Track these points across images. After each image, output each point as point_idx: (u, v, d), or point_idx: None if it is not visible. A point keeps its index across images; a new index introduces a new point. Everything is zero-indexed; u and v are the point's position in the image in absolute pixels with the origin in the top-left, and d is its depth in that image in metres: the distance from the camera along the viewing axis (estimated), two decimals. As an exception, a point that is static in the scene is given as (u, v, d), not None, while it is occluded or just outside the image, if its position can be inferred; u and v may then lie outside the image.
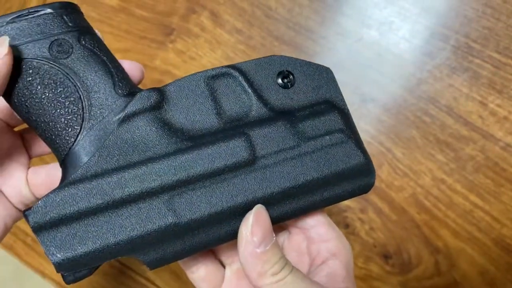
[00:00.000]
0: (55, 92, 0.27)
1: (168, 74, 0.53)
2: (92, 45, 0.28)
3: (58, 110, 0.27)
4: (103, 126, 0.27)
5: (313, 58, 0.50)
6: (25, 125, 0.31)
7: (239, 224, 0.28)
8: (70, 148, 0.27)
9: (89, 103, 0.27)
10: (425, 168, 0.48)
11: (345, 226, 0.49)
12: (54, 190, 0.25)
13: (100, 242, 0.26)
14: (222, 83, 0.30)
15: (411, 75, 0.49)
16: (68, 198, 0.25)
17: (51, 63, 0.27)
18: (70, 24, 0.28)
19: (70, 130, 0.27)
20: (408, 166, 0.48)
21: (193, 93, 0.29)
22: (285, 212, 0.29)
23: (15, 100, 0.27)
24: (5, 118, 0.32)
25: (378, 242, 0.48)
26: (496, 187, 0.47)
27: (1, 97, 0.27)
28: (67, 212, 0.25)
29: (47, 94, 0.27)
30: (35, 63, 0.27)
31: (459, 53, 0.49)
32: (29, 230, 0.50)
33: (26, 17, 0.27)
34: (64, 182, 0.26)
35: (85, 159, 0.27)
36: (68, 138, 0.27)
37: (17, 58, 0.26)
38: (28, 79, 0.27)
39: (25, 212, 0.26)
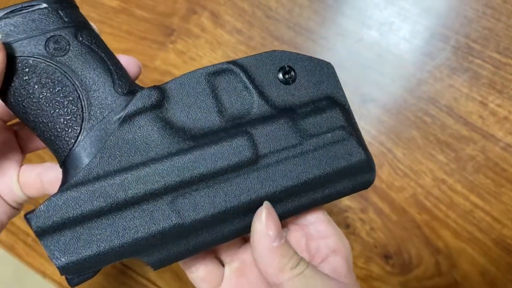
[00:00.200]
0: (53, 92, 0.26)
1: (168, 74, 0.52)
2: (90, 41, 0.27)
3: (57, 110, 0.26)
4: (104, 126, 0.26)
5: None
6: (17, 120, 0.30)
7: (242, 223, 0.28)
8: (70, 149, 0.26)
9: (89, 102, 0.26)
10: (425, 168, 0.48)
11: (345, 226, 0.48)
12: (56, 194, 0.25)
13: (105, 245, 0.25)
14: (223, 80, 0.29)
15: (411, 75, 0.49)
16: (70, 202, 0.25)
17: (48, 61, 0.26)
18: (66, 20, 0.26)
19: (69, 130, 0.26)
20: (408, 166, 0.48)
21: (194, 90, 0.28)
22: (287, 210, 0.29)
23: (12, 100, 0.26)
24: None
25: (379, 242, 0.48)
26: (497, 187, 0.47)
27: None
28: (70, 216, 0.25)
29: (45, 93, 0.26)
30: (31, 61, 0.25)
31: (459, 54, 0.48)
32: (30, 230, 0.50)
33: (20, 12, 0.26)
34: (66, 185, 0.25)
35: (86, 160, 0.26)
36: (68, 139, 0.26)
37: (11, 56, 0.25)
38: (24, 78, 0.25)
39: (26, 215, 0.25)
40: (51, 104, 0.26)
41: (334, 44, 0.50)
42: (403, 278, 0.47)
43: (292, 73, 0.30)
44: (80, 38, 0.26)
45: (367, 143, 0.49)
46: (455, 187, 0.47)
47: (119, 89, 0.27)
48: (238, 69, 0.29)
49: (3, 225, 0.32)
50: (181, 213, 0.26)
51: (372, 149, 0.48)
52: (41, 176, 0.31)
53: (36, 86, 0.26)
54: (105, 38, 0.53)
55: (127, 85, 0.27)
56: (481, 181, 0.47)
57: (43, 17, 0.26)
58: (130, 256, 0.26)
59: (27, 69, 0.25)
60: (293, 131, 0.28)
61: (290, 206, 0.29)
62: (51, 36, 0.26)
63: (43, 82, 0.26)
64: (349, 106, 0.31)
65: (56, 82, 0.26)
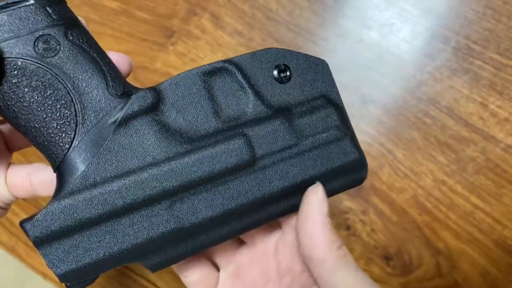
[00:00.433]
0: (45, 95, 0.24)
1: (169, 76, 0.52)
2: (81, 40, 0.25)
3: (49, 115, 0.24)
4: (98, 130, 0.25)
5: None
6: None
7: (240, 224, 0.28)
8: (65, 155, 0.25)
9: (82, 106, 0.25)
10: (426, 169, 0.47)
11: (346, 228, 0.47)
12: (53, 202, 0.24)
13: (104, 252, 0.25)
14: (218, 79, 0.28)
15: (412, 76, 0.48)
16: (68, 210, 0.24)
17: (38, 63, 0.24)
18: (54, 17, 0.25)
19: (63, 135, 0.25)
20: (409, 167, 0.47)
21: (190, 91, 0.27)
22: (282, 209, 0.29)
23: (1, 104, 0.24)
24: None
25: (379, 243, 0.47)
26: (497, 188, 0.46)
27: None
28: (69, 224, 0.24)
29: (36, 97, 0.24)
30: (20, 63, 0.24)
31: (460, 55, 0.48)
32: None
33: (6, 9, 0.24)
34: (63, 193, 0.24)
35: (81, 166, 0.25)
36: (62, 144, 0.25)
37: None
38: (13, 81, 0.24)
39: (22, 224, 0.24)
40: (43, 108, 0.24)
41: (335, 45, 0.50)
42: (403, 279, 0.47)
43: (288, 72, 0.29)
44: (71, 37, 0.25)
45: (367, 144, 0.49)
46: (456, 188, 0.47)
47: (113, 91, 0.26)
48: (234, 68, 0.28)
49: None
50: (180, 218, 0.26)
51: (373, 150, 0.48)
52: (30, 177, 0.30)
53: (26, 90, 0.24)
54: (106, 39, 0.53)
55: (121, 86, 0.26)
56: (482, 182, 0.46)
57: (31, 14, 0.24)
58: (129, 261, 0.26)
59: (16, 72, 0.24)
60: (289, 132, 0.28)
61: (286, 205, 0.29)
62: (40, 36, 0.24)
63: (34, 85, 0.24)
64: (343, 104, 0.31)
65: (47, 85, 0.24)
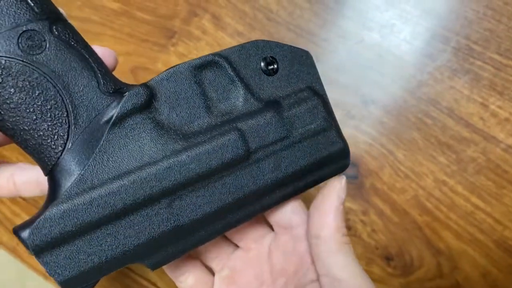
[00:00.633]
0: (33, 96, 0.23)
1: (169, 77, 0.52)
2: (67, 35, 0.24)
3: (40, 116, 0.23)
4: (92, 131, 0.24)
5: (314, 61, 0.50)
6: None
7: (236, 217, 0.29)
8: (58, 157, 0.23)
9: (73, 105, 0.24)
10: (426, 170, 0.47)
11: (347, 228, 0.48)
12: (51, 207, 0.23)
13: (106, 255, 0.24)
14: (209, 73, 0.28)
15: (412, 77, 0.48)
16: (67, 215, 0.23)
17: (24, 61, 0.22)
18: (37, 10, 0.23)
19: (55, 137, 0.23)
20: (409, 168, 0.47)
21: (181, 87, 0.27)
22: (275, 200, 0.30)
23: None
24: None
25: (380, 244, 0.47)
26: (498, 189, 0.46)
27: None
28: (69, 229, 0.23)
29: (24, 98, 0.23)
30: (3, 62, 0.22)
31: (460, 55, 0.47)
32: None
33: None
34: (60, 197, 0.23)
35: (76, 168, 0.24)
36: (54, 147, 0.23)
37: None
38: None
39: (18, 232, 0.23)
40: (32, 110, 0.23)
41: (335, 46, 0.50)
42: (404, 279, 0.47)
43: (275, 64, 0.29)
44: (56, 33, 0.24)
45: (368, 144, 0.49)
46: (456, 188, 0.46)
47: (105, 89, 0.25)
48: (224, 62, 0.28)
49: None
50: (180, 215, 0.26)
51: (373, 150, 0.48)
52: (14, 177, 0.29)
53: (13, 90, 0.22)
54: (107, 40, 0.53)
55: (112, 83, 0.25)
56: (482, 183, 0.46)
57: (12, 8, 0.22)
58: (131, 262, 0.25)
59: (0, 71, 0.22)
60: (280, 125, 0.28)
61: (278, 196, 0.30)
62: (24, 32, 0.22)
63: (21, 86, 0.23)
64: (326, 95, 0.31)
65: (35, 84, 0.23)
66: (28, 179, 0.29)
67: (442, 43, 0.48)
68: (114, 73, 0.51)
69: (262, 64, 0.29)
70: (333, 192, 0.29)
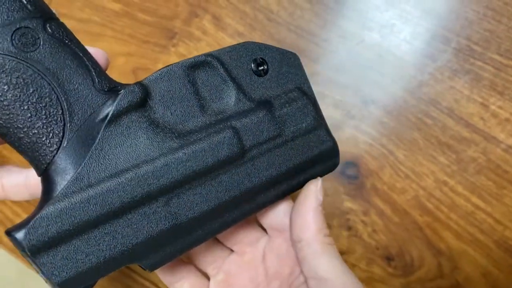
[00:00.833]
0: (27, 93, 0.22)
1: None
2: (61, 34, 0.24)
3: (35, 114, 0.23)
4: (87, 129, 0.24)
5: (315, 61, 0.48)
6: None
7: (232, 216, 0.29)
8: (53, 156, 0.23)
9: (69, 103, 0.23)
10: (427, 170, 0.46)
11: (347, 228, 0.47)
12: (47, 206, 0.22)
13: (104, 255, 0.24)
14: (202, 73, 0.28)
15: (412, 77, 0.47)
16: (64, 214, 0.22)
17: (18, 58, 0.22)
18: (30, 8, 0.23)
19: (51, 135, 0.23)
20: (410, 168, 0.47)
21: (175, 86, 0.27)
22: (269, 199, 0.30)
23: None
24: None
25: (381, 244, 0.46)
26: (498, 189, 0.45)
27: None
28: (66, 229, 0.22)
29: (18, 95, 0.22)
30: None
31: (460, 56, 0.47)
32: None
33: None
34: (57, 196, 0.22)
35: (72, 167, 0.23)
36: (49, 145, 0.23)
37: None
38: None
39: (11, 233, 0.22)
40: (26, 107, 0.23)
41: (336, 46, 0.49)
42: (405, 280, 0.47)
43: (265, 65, 0.30)
44: (50, 30, 0.23)
45: (368, 145, 0.49)
46: (457, 188, 0.46)
47: (99, 87, 0.24)
48: (216, 62, 0.28)
49: None
50: (177, 214, 0.25)
51: (373, 151, 0.47)
52: (1, 181, 0.28)
53: (6, 87, 0.22)
54: (107, 41, 0.53)
55: (107, 81, 0.25)
56: (483, 183, 0.46)
57: (5, 5, 0.22)
58: (129, 262, 0.25)
59: None
60: (273, 123, 0.28)
61: (272, 194, 0.30)
62: (17, 29, 0.22)
63: (14, 83, 0.22)
64: (314, 96, 0.32)
65: (30, 82, 0.22)
66: (15, 182, 0.28)
67: (443, 44, 0.48)
68: (115, 74, 0.51)
69: (253, 65, 0.30)
70: (311, 195, 0.29)
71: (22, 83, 0.22)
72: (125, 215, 0.24)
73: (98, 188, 0.23)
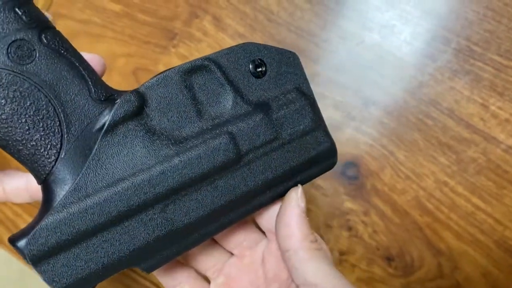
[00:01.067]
0: (25, 106, 0.22)
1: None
2: (56, 44, 0.23)
3: (32, 126, 0.23)
4: (84, 139, 0.24)
5: (315, 61, 0.48)
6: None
7: (228, 218, 0.29)
8: (52, 167, 0.23)
9: (65, 114, 0.23)
10: (427, 170, 0.46)
11: (348, 229, 0.47)
12: (47, 216, 0.23)
13: (102, 262, 0.24)
14: (199, 78, 0.28)
15: (412, 77, 0.47)
16: (63, 224, 0.23)
17: (14, 72, 0.22)
18: (25, 19, 0.23)
19: (49, 147, 0.23)
20: (410, 168, 0.46)
21: (172, 92, 0.27)
22: (265, 201, 0.30)
23: None
24: None
25: (381, 244, 0.46)
26: (498, 189, 0.45)
27: None
28: (65, 238, 0.23)
29: (16, 108, 0.22)
30: None
31: (461, 56, 0.46)
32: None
33: None
34: (56, 207, 0.23)
35: (70, 177, 0.23)
36: (48, 156, 0.23)
37: None
38: None
39: (14, 242, 0.23)
40: (24, 120, 0.22)
41: (336, 47, 0.49)
42: (405, 280, 0.46)
43: (263, 67, 0.29)
44: (45, 41, 0.23)
45: (369, 145, 0.49)
46: (457, 189, 0.46)
47: (96, 96, 0.24)
48: (213, 66, 0.28)
49: None
50: (173, 220, 0.26)
51: (374, 151, 0.47)
52: (3, 184, 0.28)
53: (4, 101, 0.22)
54: (108, 42, 0.53)
55: (103, 91, 0.25)
56: (483, 183, 0.45)
57: (0, 18, 0.22)
58: (126, 266, 0.25)
59: None
60: (270, 127, 0.28)
61: (268, 196, 0.30)
62: (13, 41, 0.22)
63: (12, 96, 0.22)
64: (314, 96, 0.31)
65: (27, 94, 0.22)
66: (16, 186, 0.28)
67: (443, 44, 0.48)
68: (116, 75, 0.51)
69: (251, 66, 0.30)
70: (292, 203, 0.29)
71: (19, 96, 0.22)
72: (122, 222, 0.25)
73: (96, 198, 0.24)
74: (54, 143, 0.23)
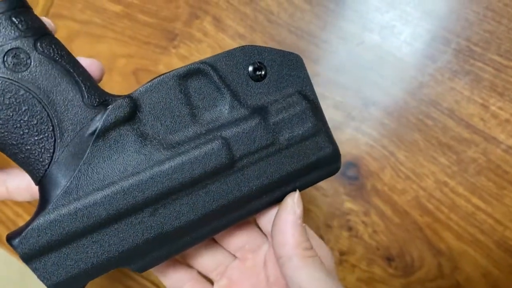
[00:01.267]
0: (20, 112, 0.23)
1: (171, 78, 0.52)
2: (51, 51, 0.24)
3: (27, 131, 0.23)
4: (77, 143, 0.24)
5: (315, 62, 0.48)
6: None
7: (221, 223, 0.29)
8: (46, 170, 0.24)
9: (59, 120, 0.24)
10: (427, 171, 0.46)
11: (348, 229, 0.47)
12: (38, 218, 0.23)
13: (92, 262, 0.25)
14: (195, 82, 0.27)
15: (413, 78, 0.47)
16: (54, 225, 0.23)
17: (10, 79, 0.23)
18: (21, 28, 0.23)
19: (42, 151, 0.24)
20: (410, 169, 0.46)
21: (167, 97, 0.27)
22: (260, 206, 0.30)
23: None
24: None
25: (381, 245, 0.46)
26: (499, 189, 0.45)
27: None
28: (55, 238, 0.24)
29: (11, 115, 0.23)
30: None
31: (461, 56, 0.46)
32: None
33: None
34: (48, 208, 0.24)
35: (62, 180, 0.24)
36: (42, 159, 0.24)
37: None
38: None
39: (10, 240, 0.23)
40: (19, 125, 0.23)
41: (336, 48, 0.49)
42: (405, 280, 0.46)
43: (263, 70, 0.29)
44: (41, 49, 0.24)
45: (369, 146, 0.49)
46: (457, 189, 0.45)
47: (89, 102, 0.25)
48: (209, 70, 0.27)
49: None
50: (163, 223, 0.26)
51: (374, 152, 0.47)
52: (6, 183, 0.29)
53: (0, 107, 0.23)
54: (108, 42, 0.53)
55: (97, 96, 0.25)
56: (483, 184, 0.45)
57: None
58: (116, 266, 0.26)
59: None
60: (266, 132, 0.28)
61: (264, 201, 0.30)
62: (9, 50, 0.23)
63: (7, 103, 0.23)
64: (317, 99, 0.30)
65: (21, 101, 0.23)
66: (19, 185, 0.29)
67: (443, 45, 0.48)
68: (116, 75, 0.51)
69: (250, 69, 0.29)
70: (288, 209, 0.29)
71: (15, 103, 0.23)
72: (112, 225, 0.25)
73: (86, 201, 0.24)
74: (48, 147, 0.24)
